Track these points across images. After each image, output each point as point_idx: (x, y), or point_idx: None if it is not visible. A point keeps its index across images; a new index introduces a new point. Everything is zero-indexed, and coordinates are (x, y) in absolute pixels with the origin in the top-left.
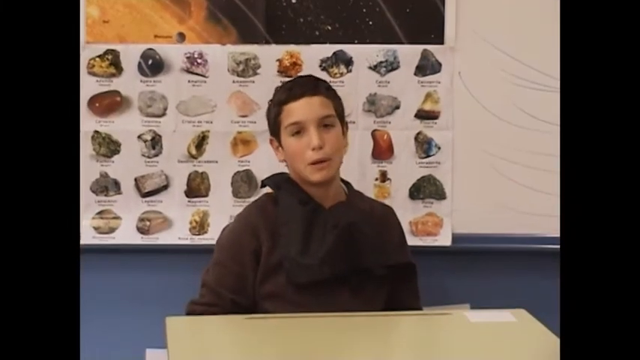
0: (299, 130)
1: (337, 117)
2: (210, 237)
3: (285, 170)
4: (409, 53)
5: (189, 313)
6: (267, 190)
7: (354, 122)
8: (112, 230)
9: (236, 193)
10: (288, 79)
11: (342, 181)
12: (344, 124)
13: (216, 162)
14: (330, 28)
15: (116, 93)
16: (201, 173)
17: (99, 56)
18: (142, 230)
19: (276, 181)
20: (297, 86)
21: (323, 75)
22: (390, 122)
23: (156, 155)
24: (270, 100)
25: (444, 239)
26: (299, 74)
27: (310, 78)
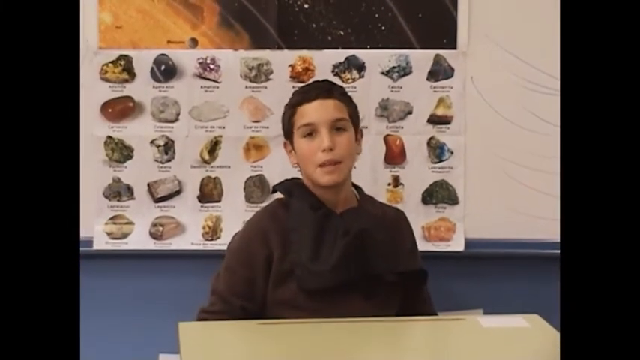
0: (311, 131)
1: (351, 122)
2: (223, 242)
3: (298, 175)
4: (422, 58)
5: (199, 321)
6: (279, 195)
7: (366, 127)
8: (125, 235)
9: (249, 199)
10: (300, 84)
11: (354, 185)
12: (358, 131)
13: (229, 167)
14: (342, 33)
15: (129, 98)
16: (214, 178)
17: (112, 62)
18: (154, 235)
19: (287, 186)
20: (312, 89)
21: (335, 80)
22: (402, 127)
23: (169, 161)
24: (285, 105)
25: (456, 244)
26: (311, 79)
27: (326, 82)
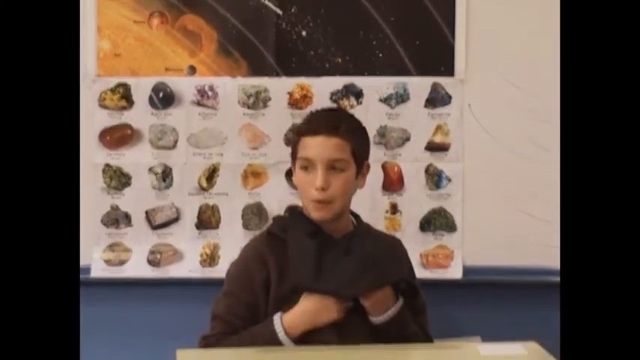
0: (307, 165)
1: (353, 159)
2: (221, 269)
3: (295, 200)
4: (419, 85)
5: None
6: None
7: None
8: (122, 263)
9: (247, 226)
10: (298, 111)
11: (352, 213)
12: (364, 165)
13: (227, 194)
14: (340, 60)
15: (127, 126)
16: (212, 206)
17: (110, 89)
18: (152, 263)
19: (283, 224)
20: (318, 122)
21: None
22: (400, 154)
23: (166, 188)
24: (294, 127)
25: (454, 271)
26: (309, 107)
27: (336, 115)
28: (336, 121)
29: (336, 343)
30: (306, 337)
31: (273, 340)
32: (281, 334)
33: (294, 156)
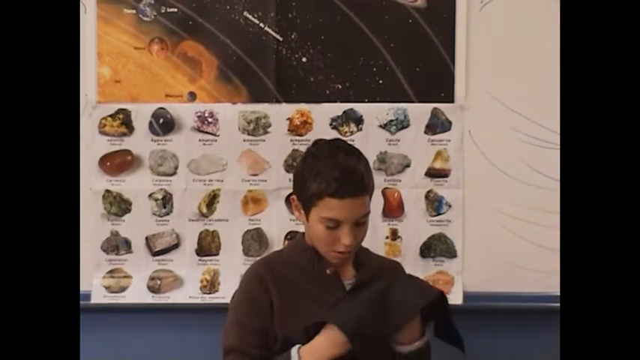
0: (334, 225)
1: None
2: (222, 295)
3: (296, 227)
4: (419, 112)
5: None
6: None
7: None
8: (122, 289)
9: (247, 252)
10: (298, 137)
11: None
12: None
13: (227, 220)
14: (340, 86)
15: (127, 152)
16: (212, 232)
17: (110, 115)
18: (152, 289)
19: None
20: (346, 184)
21: (333, 133)
22: (400, 180)
23: (167, 214)
24: (309, 172)
25: (455, 298)
26: (309, 133)
27: (360, 176)
28: (362, 180)
29: None
30: None
31: None
32: None
33: (308, 206)
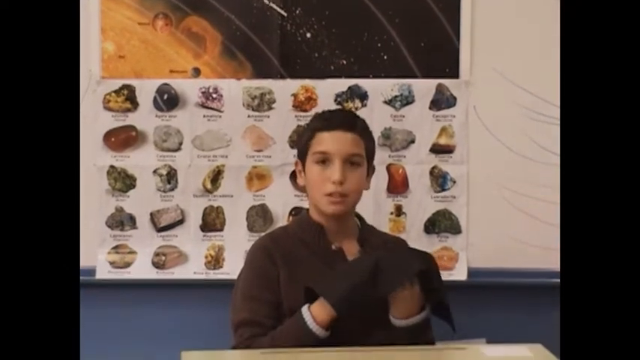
0: (324, 160)
1: (366, 158)
2: (226, 271)
3: (300, 203)
4: (424, 87)
5: None
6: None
7: None
8: (127, 265)
9: (251, 228)
10: (303, 113)
11: (356, 215)
12: (370, 167)
13: (232, 196)
14: (344, 62)
15: (132, 128)
16: (217, 208)
17: (114, 91)
18: (157, 265)
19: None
20: (335, 118)
21: None
22: (405, 156)
23: (171, 190)
24: (306, 125)
25: (459, 273)
26: (314, 109)
27: (350, 114)
28: (353, 118)
29: (360, 331)
30: (335, 324)
31: (304, 331)
32: (310, 324)
33: (304, 152)
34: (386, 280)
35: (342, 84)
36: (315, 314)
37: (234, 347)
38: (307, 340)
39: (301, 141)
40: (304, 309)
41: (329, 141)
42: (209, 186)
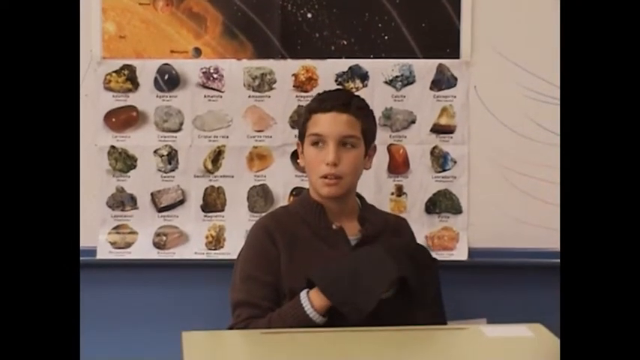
0: (319, 141)
1: (362, 139)
2: (227, 252)
3: (301, 183)
4: (425, 68)
5: None
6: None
7: None
8: (128, 245)
9: (252, 208)
10: (304, 94)
11: (356, 195)
12: (370, 147)
13: (232, 177)
14: (345, 42)
15: (132, 108)
16: (217, 188)
17: (115, 71)
18: (158, 245)
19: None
20: (330, 98)
21: None
22: (405, 137)
23: (172, 170)
24: (305, 106)
25: (460, 254)
26: (315, 89)
27: (347, 94)
28: (347, 99)
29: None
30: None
31: (302, 316)
32: (308, 309)
33: (302, 134)
34: (364, 282)
35: (343, 64)
36: (313, 300)
37: (231, 327)
38: (304, 325)
39: (300, 122)
40: (303, 294)
41: (323, 123)
42: (210, 166)
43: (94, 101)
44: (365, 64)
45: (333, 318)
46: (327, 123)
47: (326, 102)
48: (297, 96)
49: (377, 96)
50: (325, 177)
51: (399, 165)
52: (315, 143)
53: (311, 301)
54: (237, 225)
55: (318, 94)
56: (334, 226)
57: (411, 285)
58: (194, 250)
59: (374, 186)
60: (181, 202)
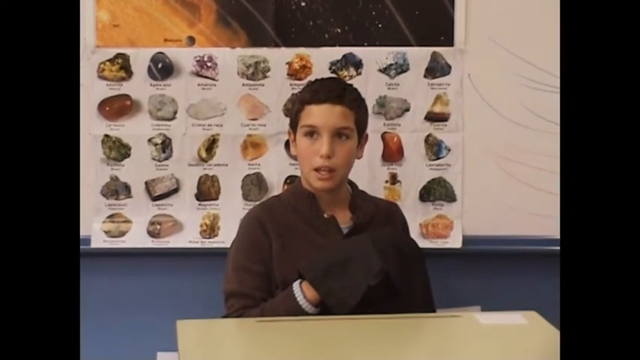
0: (313, 132)
1: (356, 129)
2: (221, 240)
3: (295, 171)
4: (419, 55)
5: None
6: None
7: None
8: (122, 234)
9: (246, 196)
10: (298, 82)
11: (348, 182)
12: (363, 136)
13: (227, 165)
14: (339, 30)
15: (126, 97)
16: (212, 176)
17: (109, 60)
18: (152, 234)
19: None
20: (323, 89)
21: None
22: (399, 125)
23: (166, 159)
24: (297, 94)
25: (454, 241)
26: (308, 77)
27: (339, 84)
28: (341, 90)
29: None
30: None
31: (294, 307)
32: (300, 299)
33: (294, 124)
34: (349, 275)
35: (337, 52)
36: (305, 290)
37: (223, 317)
38: (296, 315)
39: (292, 112)
40: (295, 285)
41: (317, 114)
42: (204, 155)
43: (88, 90)
44: (359, 52)
45: (326, 309)
46: (321, 115)
47: (319, 93)
48: (291, 84)
49: (371, 84)
50: (318, 170)
51: (393, 153)
52: (308, 134)
53: (303, 292)
54: (232, 213)
55: (311, 83)
56: (326, 215)
57: (394, 279)
58: (188, 238)
59: (368, 174)
60: (175, 190)
